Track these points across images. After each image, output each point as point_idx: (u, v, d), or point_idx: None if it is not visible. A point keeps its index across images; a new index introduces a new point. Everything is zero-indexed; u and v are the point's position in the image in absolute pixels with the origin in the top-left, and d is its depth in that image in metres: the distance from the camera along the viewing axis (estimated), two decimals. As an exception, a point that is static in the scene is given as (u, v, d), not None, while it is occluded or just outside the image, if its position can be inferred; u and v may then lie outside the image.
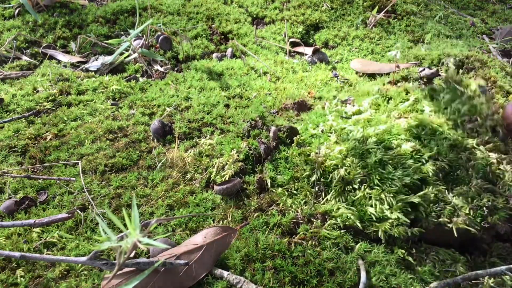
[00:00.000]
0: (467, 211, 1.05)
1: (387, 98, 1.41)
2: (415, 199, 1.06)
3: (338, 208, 1.09)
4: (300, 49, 1.99)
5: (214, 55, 1.91)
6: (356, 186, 1.12)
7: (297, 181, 1.18)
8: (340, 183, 1.13)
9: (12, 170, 1.25)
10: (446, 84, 1.38)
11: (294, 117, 1.47)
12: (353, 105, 1.45)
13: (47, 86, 1.64)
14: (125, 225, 1.04)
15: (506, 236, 1.08)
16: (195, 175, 1.24)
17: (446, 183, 1.13)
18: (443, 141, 1.20)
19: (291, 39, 2.01)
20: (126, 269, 0.90)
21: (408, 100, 1.41)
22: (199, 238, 1.00)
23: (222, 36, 2.06)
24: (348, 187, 1.13)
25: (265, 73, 1.75)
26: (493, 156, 1.16)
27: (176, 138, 1.35)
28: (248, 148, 1.27)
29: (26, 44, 1.93)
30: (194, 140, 1.38)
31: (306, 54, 1.94)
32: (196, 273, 0.93)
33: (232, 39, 2.02)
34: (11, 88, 1.62)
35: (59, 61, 1.84)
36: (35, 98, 1.57)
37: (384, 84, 1.55)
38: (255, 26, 2.11)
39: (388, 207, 1.06)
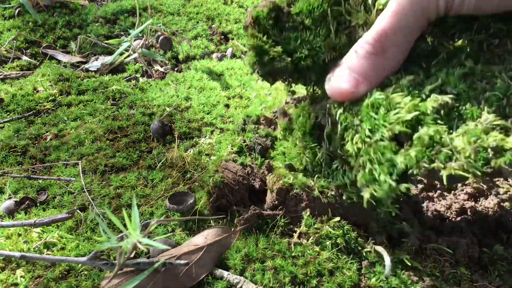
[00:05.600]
0: (467, 154, 0.83)
1: None
2: (400, 158, 0.86)
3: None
4: (300, 49, 1.99)
5: (214, 55, 1.91)
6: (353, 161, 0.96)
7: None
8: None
9: (12, 170, 1.25)
10: None
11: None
12: None
13: (47, 86, 1.64)
14: (125, 225, 1.04)
15: None
16: (195, 174, 1.24)
17: (449, 121, 0.89)
18: (456, 69, 0.93)
19: (291, 39, 2.01)
20: (126, 269, 0.90)
21: None
22: (200, 239, 1.00)
23: (222, 36, 2.06)
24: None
25: (265, 73, 1.75)
26: None
27: (176, 138, 1.35)
28: (242, 141, 1.27)
29: (26, 44, 1.93)
30: (194, 140, 1.38)
31: (306, 54, 1.94)
32: (196, 273, 0.93)
33: (232, 39, 2.02)
34: (11, 88, 1.62)
35: (59, 61, 1.84)
36: (35, 98, 1.57)
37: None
38: (255, 26, 2.11)
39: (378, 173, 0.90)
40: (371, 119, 0.91)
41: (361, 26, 0.98)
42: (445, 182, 0.83)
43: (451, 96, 0.88)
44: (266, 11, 0.94)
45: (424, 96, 0.89)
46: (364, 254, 1.00)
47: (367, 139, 0.90)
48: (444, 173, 0.82)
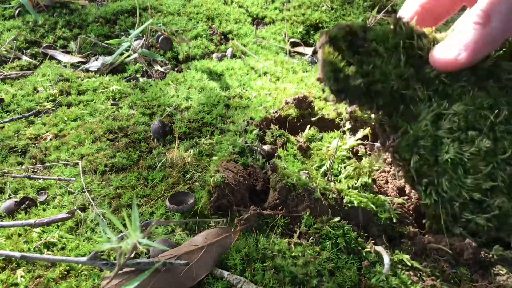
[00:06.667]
0: None
1: None
2: (480, 221, 0.98)
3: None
4: (300, 49, 1.99)
5: (214, 55, 1.91)
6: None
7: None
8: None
9: (12, 170, 1.25)
10: None
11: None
12: None
13: (47, 86, 1.64)
14: (125, 225, 1.04)
15: None
16: (195, 174, 1.24)
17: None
18: None
19: (291, 39, 2.01)
20: (126, 269, 0.90)
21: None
22: (200, 239, 1.00)
23: (222, 36, 2.06)
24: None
25: (265, 73, 1.75)
26: None
27: (176, 138, 1.35)
28: (244, 142, 1.27)
29: (26, 44, 1.93)
30: (194, 140, 1.38)
31: (306, 54, 1.94)
32: (197, 273, 0.93)
33: (232, 39, 2.02)
34: (11, 88, 1.62)
35: (59, 61, 1.84)
36: (35, 98, 1.57)
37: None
38: (255, 26, 2.11)
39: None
40: (451, 178, 0.98)
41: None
42: None
43: None
44: (343, 33, 0.99)
45: (496, 164, 0.97)
46: (364, 254, 1.00)
47: (443, 194, 0.99)
48: None
